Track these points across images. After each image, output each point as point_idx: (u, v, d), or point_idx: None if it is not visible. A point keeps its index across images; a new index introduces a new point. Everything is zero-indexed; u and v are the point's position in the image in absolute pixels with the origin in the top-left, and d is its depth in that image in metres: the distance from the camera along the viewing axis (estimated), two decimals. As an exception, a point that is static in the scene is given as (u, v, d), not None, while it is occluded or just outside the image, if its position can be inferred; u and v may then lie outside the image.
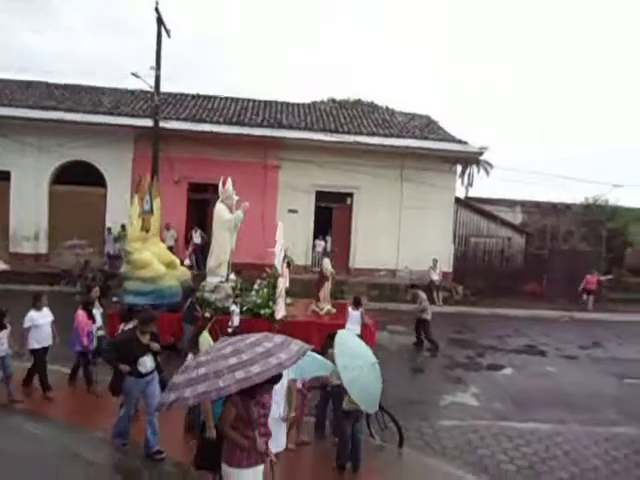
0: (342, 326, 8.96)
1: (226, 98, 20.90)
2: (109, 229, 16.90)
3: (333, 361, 5.38)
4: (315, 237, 18.53)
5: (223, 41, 77.74)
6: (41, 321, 7.16)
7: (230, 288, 10.69)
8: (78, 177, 17.11)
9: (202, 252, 16.27)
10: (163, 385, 5.41)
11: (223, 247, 10.87)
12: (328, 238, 18.91)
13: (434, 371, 10.49)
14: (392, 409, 6.61)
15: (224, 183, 11.05)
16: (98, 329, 7.78)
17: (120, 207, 16.04)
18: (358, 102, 32.46)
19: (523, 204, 25.95)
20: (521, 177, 31.68)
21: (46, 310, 7.32)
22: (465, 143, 19.02)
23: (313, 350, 4.59)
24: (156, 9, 14.90)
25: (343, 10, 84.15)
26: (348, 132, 18.57)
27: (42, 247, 17.47)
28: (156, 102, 15.65)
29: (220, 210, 10.84)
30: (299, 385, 5.94)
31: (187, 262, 15.76)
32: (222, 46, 78.41)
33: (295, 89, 57.06)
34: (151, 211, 11.19)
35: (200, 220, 17.89)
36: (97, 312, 7.88)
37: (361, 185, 18.19)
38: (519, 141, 64.82)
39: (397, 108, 25.74)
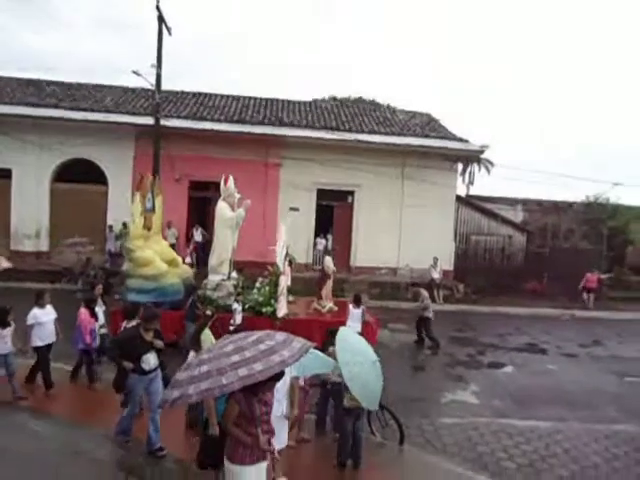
0: (344, 324, 8.99)
1: (227, 96, 20.89)
2: (110, 227, 16.92)
3: (334, 358, 5.41)
4: (316, 235, 18.55)
5: (223, 41, 77.68)
6: (44, 318, 7.19)
7: (232, 286, 10.71)
8: (79, 175, 17.14)
9: (203, 250, 16.29)
10: (166, 382, 5.43)
11: (225, 245, 10.89)
12: (329, 236, 18.96)
13: (435, 369, 10.51)
14: (393, 406, 6.64)
15: (226, 181, 11.05)
16: (101, 327, 7.82)
17: (121, 205, 16.08)
18: (359, 100, 32.40)
19: (524, 202, 25.95)
20: (522, 175, 31.71)
21: (49, 307, 7.37)
22: (466, 141, 19.02)
23: (315, 348, 4.61)
24: (157, 7, 14.91)
25: (343, 10, 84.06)
26: (349, 130, 18.58)
27: (43, 245, 17.50)
28: (157, 100, 15.66)
29: (222, 208, 10.85)
30: (301, 383, 5.96)
31: (188, 260, 15.76)
32: (222, 46, 78.35)
33: (296, 88, 57.01)
34: (153, 209, 11.22)
35: (201, 218, 17.92)
36: (100, 310, 7.92)
37: (362, 183, 18.20)
38: (520, 140, 64.79)
39: (398, 106, 25.77)
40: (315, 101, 25.30)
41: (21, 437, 5.98)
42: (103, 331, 7.89)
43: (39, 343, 7.18)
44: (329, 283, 11.61)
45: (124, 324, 7.02)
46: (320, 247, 18.33)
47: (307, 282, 13.95)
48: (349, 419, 5.75)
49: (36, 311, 7.17)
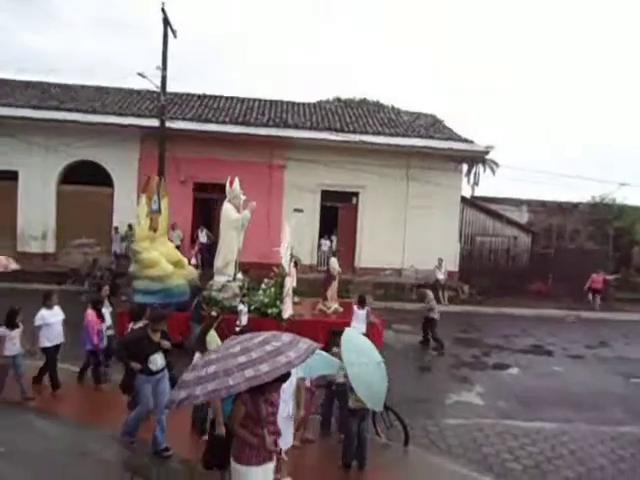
0: (349, 325, 9.00)
1: (232, 98, 20.97)
2: (116, 228, 17.04)
3: (339, 359, 5.43)
4: (321, 236, 18.58)
5: (223, 41, 77.71)
6: (52, 319, 7.24)
7: (237, 287, 10.76)
8: (85, 177, 17.27)
9: (208, 251, 16.35)
10: (173, 383, 5.46)
11: (230, 246, 10.94)
12: (334, 237, 18.95)
13: (440, 370, 10.51)
14: (398, 407, 6.65)
15: (232, 183, 11.11)
16: (108, 328, 7.85)
17: (127, 207, 16.19)
18: (363, 101, 32.43)
19: (529, 203, 25.86)
20: (527, 176, 31.39)
21: (57, 309, 7.42)
22: (471, 142, 18.98)
23: (321, 348, 4.63)
24: (162, 9, 14.97)
25: (343, 10, 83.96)
26: (354, 131, 18.59)
27: (50, 246, 17.63)
28: (162, 102, 15.73)
29: (227, 210, 10.90)
30: (307, 384, 5.98)
31: (193, 261, 15.81)
32: (222, 46, 78.40)
33: (298, 89, 57.09)
34: (159, 211, 11.29)
35: (206, 220, 17.98)
36: (106, 311, 7.96)
37: (367, 184, 18.22)
38: (525, 141, 64.43)
39: (402, 107, 25.76)
40: (319, 102, 25.37)
41: (29, 437, 6.03)
42: (110, 332, 7.92)
43: (47, 344, 7.22)
44: (334, 284, 11.63)
45: (131, 325, 7.06)
46: (324, 248, 18.35)
47: (312, 283, 13.96)
48: (354, 420, 5.75)
49: (44, 312, 7.21)
